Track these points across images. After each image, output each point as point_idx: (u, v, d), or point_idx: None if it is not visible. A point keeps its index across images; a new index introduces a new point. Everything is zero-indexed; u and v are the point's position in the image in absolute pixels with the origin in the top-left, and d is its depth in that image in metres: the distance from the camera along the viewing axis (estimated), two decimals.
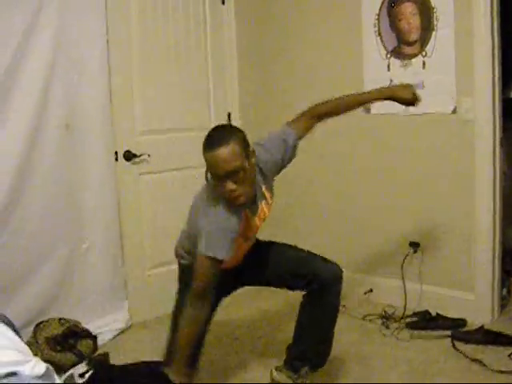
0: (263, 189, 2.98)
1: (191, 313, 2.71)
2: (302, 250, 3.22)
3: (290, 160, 3.09)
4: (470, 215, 3.95)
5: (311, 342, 3.10)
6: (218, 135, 2.72)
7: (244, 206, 2.83)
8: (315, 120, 3.15)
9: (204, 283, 2.71)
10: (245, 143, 2.76)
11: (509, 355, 3.47)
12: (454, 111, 3.92)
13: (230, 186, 2.68)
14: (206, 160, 2.71)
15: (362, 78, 4.29)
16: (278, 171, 3.08)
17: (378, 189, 4.36)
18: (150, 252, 4.25)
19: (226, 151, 2.64)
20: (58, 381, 2.03)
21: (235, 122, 4.71)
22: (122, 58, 4.00)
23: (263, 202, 2.99)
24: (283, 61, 4.78)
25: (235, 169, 2.66)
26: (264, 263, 3.18)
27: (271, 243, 3.29)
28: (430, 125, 4.05)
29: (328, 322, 3.10)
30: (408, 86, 3.16)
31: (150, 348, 3.77)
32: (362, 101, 3.31)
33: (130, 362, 3.56)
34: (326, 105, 3.15)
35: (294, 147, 3.07)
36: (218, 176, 2.70)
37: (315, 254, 3.15)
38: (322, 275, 3.02)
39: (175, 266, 3.20)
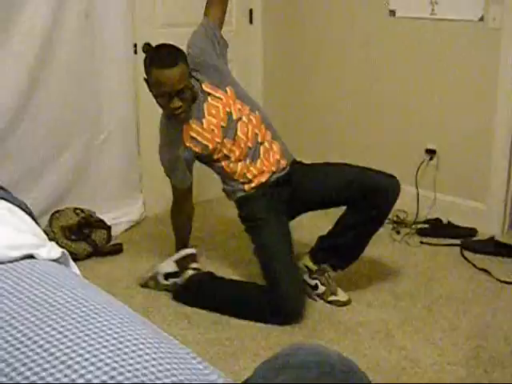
0: (203, 87, 3.07)
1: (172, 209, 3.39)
2: (354, 165, 3.24)
3: (218, 42, 3.14)
4: (490, 125, 3.90)
5: (345, 243, 3.14)
6: (167, 55, 2.89)
7: (184, 120, 3.04)
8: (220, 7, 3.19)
9: (174, 197, 3.33)
10: (187, 63, 2.95)
11: None
12: (482, 19, 3.82)
13: (177, 103, 2.90)
14: (153, 78, 2.90)
15: None
16: (216, 61, 3.13)
17: (398, 94, 4.30)
18: None
19: (178, 71, 2.85)
20: (73, 266, 2.07)
21: (257, 20, 4.63)
22: None
23: (209, 99, 3.06)
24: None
25: (184, 87, 2.88)
26: (316, 182, 3.20)
27: (320, 164, 3.32)
28: (456, 31, 3.95)
29: (370, 232, 3.13)
30: None
31: (161, 241, 3.83)
32: None
33: (143, 253, 3.66)
34: None
35: (214, 35, 3.12)
36: (166, 94, 2.88)
37: (370, 168, 3.18)
38: (381, 185, 3.04)
39: None
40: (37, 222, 2.29)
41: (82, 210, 3.77)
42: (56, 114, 3.70)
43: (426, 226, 4.03)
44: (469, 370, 2.61)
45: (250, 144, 3.11)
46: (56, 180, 3.79)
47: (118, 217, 4.03)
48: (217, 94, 3.07)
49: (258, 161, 3.13)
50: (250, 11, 4.62)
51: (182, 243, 3.42)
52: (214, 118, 3.06)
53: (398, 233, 3.99)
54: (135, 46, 3.94)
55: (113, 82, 3.89)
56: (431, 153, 4.17)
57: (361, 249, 3.18)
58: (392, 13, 4.19)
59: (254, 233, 3.16)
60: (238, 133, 3.09)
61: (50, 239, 2.22)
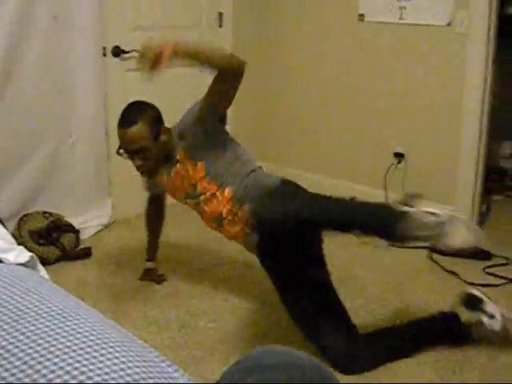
0: (177, 154, 2.92)
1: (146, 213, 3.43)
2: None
3: (208, 125, 2.86)
4: (457, 129, 3.95)
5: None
6: (129, 114, 2.89)
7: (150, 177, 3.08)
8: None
9: (148, 199, 3.40)
10: (155, 121, 2.90)
11: (483, 269, 3.57)
12: (449, 24, 3.87)
13: (137, 162, 2.92)
14: (117, 135, 2.93)
15: None
16: (199, 132, 2.86)
17: (367, 98, 4.34)
18: None
19: (133, 132, 2.84)
20: (41, 270, 2.06)
21: (226, 23, 4.63)
22: None
23: (177, 165, 2.93)
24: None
25: (140, 149, 2.87)
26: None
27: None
28: (424, 36, 4.00)
29: None
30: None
31: (130, 245, 3.82)
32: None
33: (112, 257, 3.64)
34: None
35: (206, 119, 2.84)
36: (128, 151, 2.92)
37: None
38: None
39: None
40: (4, 226, 2.27)
41: (51, 214, 3.75)
42: (24, 117, 3.66)
43: None
44: (438, 372, 2.64)
45: (214, 216, 2.91)
46: (24, 183, 3.75)
47: (87, 220, 4.01)
48: (187, 162, 2.90)
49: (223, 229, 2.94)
50: (220, 14, 4.61)
51: (152, 247, 3.43)
52: (178, 185, 2.97)
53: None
54: (104, 48, 3.93)
55: (81, 85, 3.86)
56: (399, 156, 4.21)
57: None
58: (361, 17, 4.22)
59: (287, 294, 2.85)
60: (202, 205, 2.92)
61: (19, 243, 2.20)
